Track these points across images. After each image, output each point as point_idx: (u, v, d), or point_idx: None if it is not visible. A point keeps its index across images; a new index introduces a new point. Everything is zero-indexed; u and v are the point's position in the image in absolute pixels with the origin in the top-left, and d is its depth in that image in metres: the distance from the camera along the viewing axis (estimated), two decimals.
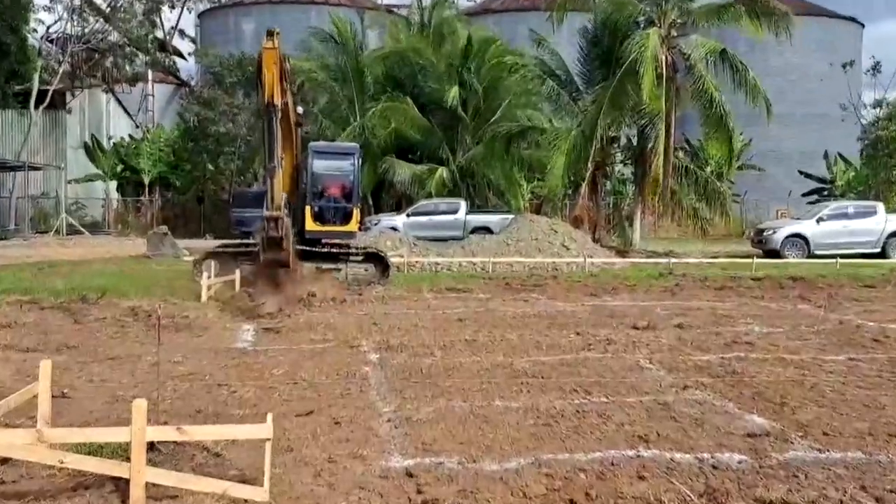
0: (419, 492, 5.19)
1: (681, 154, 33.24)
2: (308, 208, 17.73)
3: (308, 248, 17.48)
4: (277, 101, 14.04)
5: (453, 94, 31.86)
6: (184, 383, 8.08)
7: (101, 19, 44.60)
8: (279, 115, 14.24)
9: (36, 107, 41.81)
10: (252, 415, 6.86)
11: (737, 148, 33.77)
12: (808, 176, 45.40)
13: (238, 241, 19.94)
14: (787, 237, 27.35)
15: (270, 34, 13.98)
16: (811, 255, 26.50)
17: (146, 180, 44.80)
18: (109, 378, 8.35)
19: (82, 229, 40.07)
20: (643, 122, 28.25)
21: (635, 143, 30.34)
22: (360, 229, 19.16)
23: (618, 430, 6.59)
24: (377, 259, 18.42)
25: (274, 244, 14.72)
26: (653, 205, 30.47)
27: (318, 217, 17.85)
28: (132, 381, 8.17)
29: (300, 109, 17.69)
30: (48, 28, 45.91)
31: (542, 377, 8.49)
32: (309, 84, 36.16)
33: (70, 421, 6.57)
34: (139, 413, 4.77)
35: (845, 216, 27.86)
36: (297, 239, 17.50)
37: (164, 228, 27.52)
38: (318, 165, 18.06)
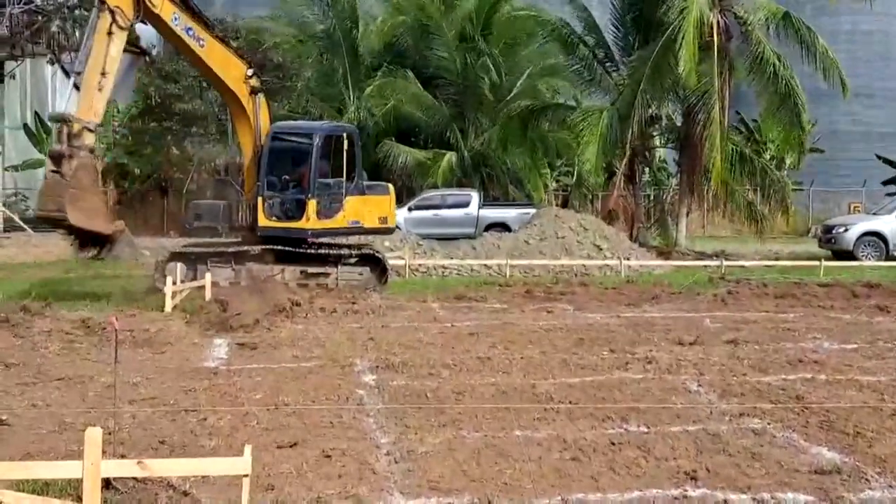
0: None
1: (735, 137, 33.12)
2: (260, 200, 17.63)
3: (292, 249, 17.52)
4: None
5: (464, 63, 31.89)
6: (145, 409, 8.11)
7: None
8: (102, 10, 14.41)
9: None
10: (226, 446, 6.89)
11: (806, 131, 33.59)
12: (887, 161, 45.17)
13: (209, 239, 20.00)
14: (860, 235, 27.24)
15: None
16: (890, 258, 26.41)
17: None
18: (56, 402, 8.39)
19: (23, 225, 40.10)
20: (690, 99, 28.18)
21: (680, 124, 30.27)
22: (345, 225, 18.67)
23: (660, 465, 6.59)
24: (373, 261, 18.41)
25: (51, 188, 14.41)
26: (700, 197, 30.38)
27: (271, 211, 17.74)
28: (84, 406, 8.20)
29: (249, 72, 17.56)
30: None
31: (570, 402, 8.50)
32: (292, 54, 36.18)
33: (10, 453, 6.60)
34: (93, 444, 4.79)
35: None
36: (259, 238, 17.58)
37: (121, 224, 27.50)
38: (274, 148, 17.93)
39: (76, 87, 14.79)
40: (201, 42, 16.55)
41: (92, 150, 14.74)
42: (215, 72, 17.24)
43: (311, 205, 17.48)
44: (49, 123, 44.64)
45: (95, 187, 15.13)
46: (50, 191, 14.52)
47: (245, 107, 17.60)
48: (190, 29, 16.31)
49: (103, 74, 14.59)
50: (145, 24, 16.11)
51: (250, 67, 17.78)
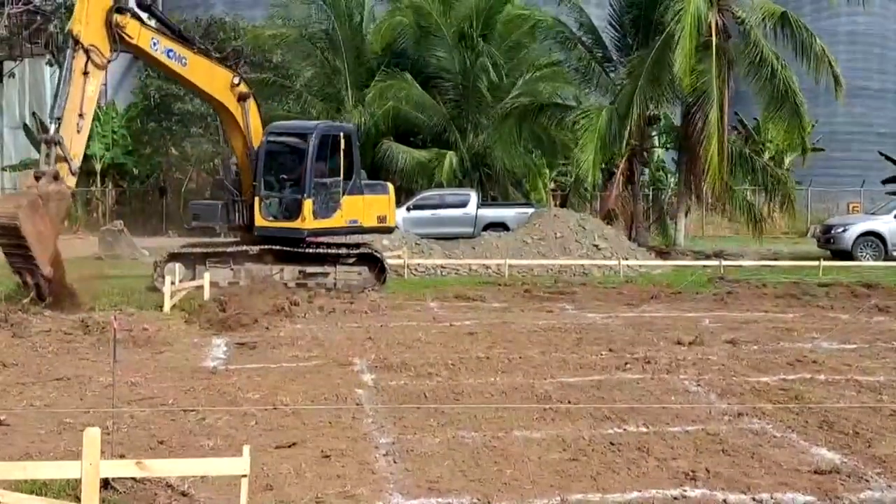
0: None
1: (734, 137, 33.12)
2: (257, 200, 17.66)
3: (289, 249, 17.52)
4: (78, 29, 14.18)
5: (463, 63, 31.89)
6: (143, 409, 8.10)
7: None
8: (77, 50, 14.22)
9: None
10: (225, 446, 6.87)
11: (807, 130, 33.58)
12: (888, 158, 45.16)
13: (208, 239, 20.00)
14: (859, 235, 27.26)
15: None
16: (888, 258, 26.42)
17: (98, 167, 44.83)
18: (55, 402, 8.37)
19: None
20: (689, 99, 28.18)
21: (679, 124, 30.26)
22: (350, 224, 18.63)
23: (659, 465, 6.58)
24: (371, 261, 18.41)
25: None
26: (699, 197, 30.40)
27: (268, 210, 17.73)
28: (82, 406, 8.19)
29: (236, 80, 17.50)
30: None
31: (569, 402, 8.48)
32: (292, 54, 36.22)
33: (8, 453, 6.59)
34: (91, 444, 4.78)
35: None
36: (257, 238, 17.57)
37: (120, 224, 27.58)
38: (271, 148, 17.94)
39: (58, 120, 14.24)
40: (183, 61, 16.36)
41: (73, 195, 14.29)
42: (200, 87, 17.15)
43: (308, 204, 17.48)
44: (39, 125, 44.75)
45: (58, 222, 14.08)
46: (15, 195, 14.08)
47: (234, 114, 17.54)
48: (171, 50, 16.11)
49: (81, 116, 14.25)
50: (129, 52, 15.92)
51: (236, 75, 17.68)
